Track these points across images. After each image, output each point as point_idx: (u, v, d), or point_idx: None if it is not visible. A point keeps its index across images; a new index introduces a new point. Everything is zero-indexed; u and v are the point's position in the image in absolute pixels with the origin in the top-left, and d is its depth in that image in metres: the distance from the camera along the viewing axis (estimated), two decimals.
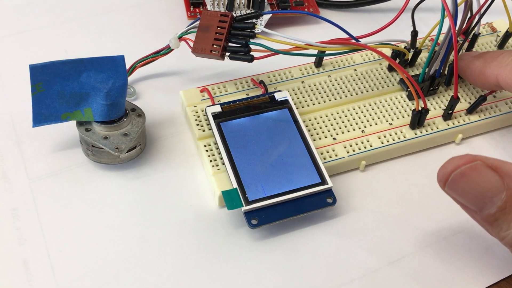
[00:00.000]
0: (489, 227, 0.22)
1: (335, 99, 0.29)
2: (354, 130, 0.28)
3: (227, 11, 0.28)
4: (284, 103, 0.28)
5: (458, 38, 0.27)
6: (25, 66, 0.31)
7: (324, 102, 0.29)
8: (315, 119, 0.28)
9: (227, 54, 0.27)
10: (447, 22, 0.26)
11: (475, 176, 0.21)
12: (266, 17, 0.34)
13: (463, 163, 0.21)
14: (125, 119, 0.26)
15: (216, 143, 0.27)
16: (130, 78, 0.31)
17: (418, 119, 0.28)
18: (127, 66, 0.30)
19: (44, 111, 0.25)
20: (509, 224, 0.21)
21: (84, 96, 0.25)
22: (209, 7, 0.34)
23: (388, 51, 0.31)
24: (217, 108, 0.27)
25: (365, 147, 0.27)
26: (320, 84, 0.30)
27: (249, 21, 0.27)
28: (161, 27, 0.35)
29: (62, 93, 0.25)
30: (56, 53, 0.32)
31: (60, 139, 0.28)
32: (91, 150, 0.26)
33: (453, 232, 0.26)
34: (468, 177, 0.21)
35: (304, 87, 0.30)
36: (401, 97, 0.30)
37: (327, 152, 0.27)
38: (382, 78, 0.31)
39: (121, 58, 0.25)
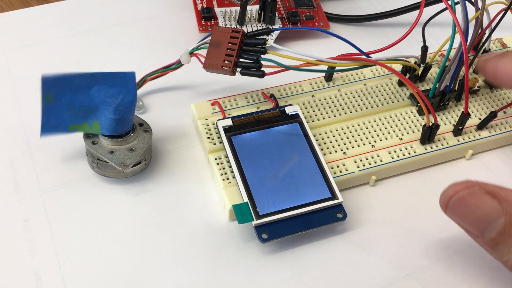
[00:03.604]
0: (492, 251, 0.22)
1: (345, 113, 0.30)
2: (364, 145, 0.28)
3: (238, 27, 0.29)
4: (295, 117, 0.28)
5: (468, 54, 0.27)
6: (38, 78, 0.32)
7: (334, 116, 0.29)
8: (325, 133, 0.29)
9: (238, 69, 0.27)
10: (457, 37, 0.26)
11: (473, 201, 0.21)
12: (276, 32, 0.34)
13: (462, 188, 0.22)
14: (132, 134, 0.27)
15: (227, 157, 0.27)
16: (139, 91, 0.31)
17: (428, 135, 0.28)
18: (137, 79, 0.30)
19: (53, 122, 0.25)
20: (509, 248, 0.21)
21: (93, 109, 0.26)
22: (220, 21, 0.35)
23: (398, 67, 0.31)
24: (228, 122, 0.28)
25: (375, 162, 0.28)
26: (330, 98, 0.30)
27: (260, 37, 0.27)
28: (173, 40, 0.35)
29: (71, 105, 0.25)
30: (68, 64, 0.33)
31: (71, 151, 0.28)
32: (96, 163, 0.26)
33: (464, 248, 0.26)
34: (466, 202, 0.21)
35: (314, 101, 0.30)
36: (411, 112, 0.30)
37: (337, 166, 0.27)
38: (392, 93, 0.31)
39: (132, 74, 0.25)
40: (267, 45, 0.27)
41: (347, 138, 0.28)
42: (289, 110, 0.28)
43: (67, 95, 0.25)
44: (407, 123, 0.29)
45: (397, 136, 0.29)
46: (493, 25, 0.29)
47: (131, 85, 0.25)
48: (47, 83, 0.25)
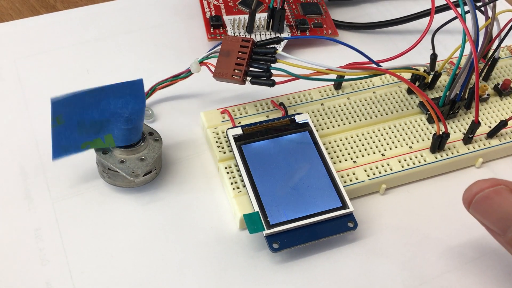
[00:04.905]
0: None
1: (355, 121, 0.30)
2: (374, 153, 0.28)
3: (248, 37, 0.29)
4: (305, 126, 0.28)
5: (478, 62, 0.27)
6: (48, 86, 0.32)
7: (344, 124, 0.29)
8: (335, 141, 0.29)
9: (248, 78, 0.27)
10: (467, 46, 0.26)
11: (498, 199, 0.21)
12: (284, 40, 0.34)
13: (487, 186, 0.22)
14: (142, 144, 0.27)
15: (237, 165, 0.27)
16: (149, 100, 0.31)
17: (438, 143, 0.28)
18: (147, 88, 0.30)
19: (64, 143, 0.25)
20: None
21: (105, 123, 0.25)
22: (229, 29, 0.35)
23: (407, 75, 0.31)
24: (238, 131, 0.28)
25: (385, 171, 0.27)
26: (339, 106, 0.30)
27: (270, 46, 0.27)
28: (181, 47, 0.35)
29: (82, 123, 0.25)
30: (78, 72, 0.33)
31: (82, 160, 0.28)
32: (107, 172, 0.27)
33: (476, 256, 0.26)
34: (491, 200, 0.21)
35: (323, 110, 0.30)
36: (421, 120, 0.30)
37: (348, 175, 0.27)
38: (402, 101, 0.31)
39: (140, 81, 0.25)
40: (276, 54, 0.27)
41: (357, 146, 0.28)
42: (299, 119, 0.28)
43: (77, 114, 0.25)
44: (417, 132, 0.29)
45: (407, 144, 0.29)
46: (503, 34, 0.29)
47: (139, 92, 0.25)
48: (57, 105, 0.24)
